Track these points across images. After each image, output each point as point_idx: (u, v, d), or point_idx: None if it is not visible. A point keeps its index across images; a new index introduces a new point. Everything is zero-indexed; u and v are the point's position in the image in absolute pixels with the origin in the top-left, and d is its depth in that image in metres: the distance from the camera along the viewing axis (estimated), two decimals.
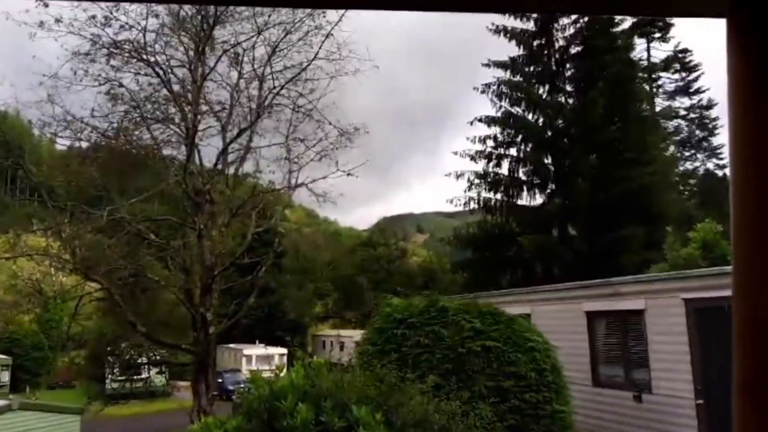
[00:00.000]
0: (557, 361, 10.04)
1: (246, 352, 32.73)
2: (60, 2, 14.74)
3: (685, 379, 11.09)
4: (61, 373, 36.31)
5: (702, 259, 18.39)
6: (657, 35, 38.03)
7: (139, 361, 20.29)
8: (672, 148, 33.48)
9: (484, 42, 29.38)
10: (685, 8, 0.92)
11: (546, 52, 29.17)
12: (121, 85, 15.89)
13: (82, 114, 15.45)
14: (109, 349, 20.63)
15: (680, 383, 11.18)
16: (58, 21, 14.74)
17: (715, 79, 37.28)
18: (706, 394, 10.55)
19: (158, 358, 19.60)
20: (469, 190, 29.09)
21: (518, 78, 29.16)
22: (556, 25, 29.29)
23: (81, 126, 15.44)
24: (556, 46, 29.30)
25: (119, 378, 23.54)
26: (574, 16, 29.58)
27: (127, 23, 15.40)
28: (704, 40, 30.19)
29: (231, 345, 34.18)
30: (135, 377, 23.47)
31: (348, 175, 16.35)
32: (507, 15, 29.41)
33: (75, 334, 27.50)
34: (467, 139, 29.54)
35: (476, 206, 29.16)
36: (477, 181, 29.06)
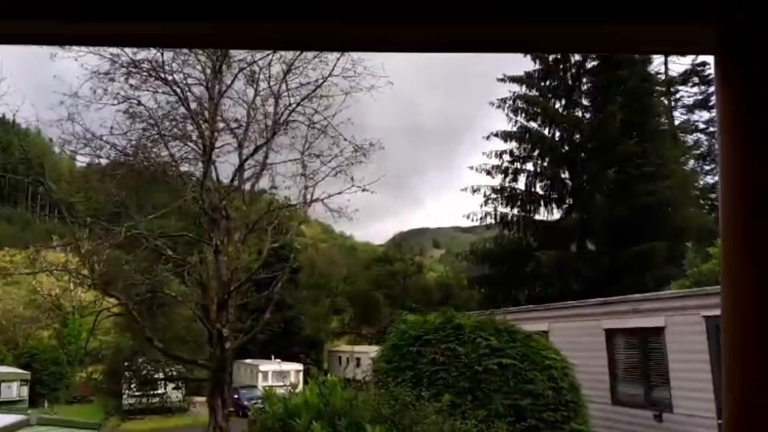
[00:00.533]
0: (575, 379, 9.89)
1: (262, 368, 32.59)
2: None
3: (707, 398, 10.84)
4: (79, 388, 36.55)
5: None
6: None
7: (156, 376, 20.34)
8: (692, 162, 33.14)
9: (501, 56, 29.41)
10: (676, 47, 1.00)
11: (562, 66, 29.10)
12: (139, 104, 16.15)
13: (102, 132, 15.72)
14: (126, 364, 20.74)
15: (702, 402, 10.94)
16: None
17: None
18: None
19: (175, 373, 19.64)
20: (485, 205, 29.01)
21: (534, 93, 29.11)
22: None
23: (100, 143, 15.70)
24: (572, 60, 29.22)
25: (136, 393, 23.58)
26: None
27: None
28: None
29: (247, 360, 34.14)
30: (151, 392, 23.49)
31: (363, 190, 16.39)
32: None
33: (93, 349, 27.66)
34: (483, 153, 29.52)
35: (493, 221, 29.03)
36: (494, 195, 28.97)
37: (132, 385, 23.16)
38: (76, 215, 17.08)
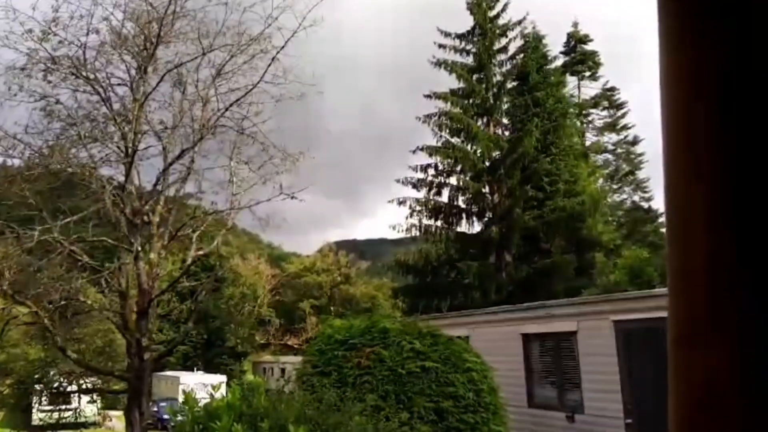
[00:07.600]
0: (494, 382, 10.35)
1: (183, 380, 31.45)
2: None
3: (615, 398, 11.60)
4: None
5: (629, 283, 19.44)
6: (587, 74, 40.18)
7: (69, 389, 19.21)
8: (601, 181, 35.23)
9: (436, 72, 29.98)
10: None
11: (484, 86, 30.32)
12: (58, 102, 15.43)
13: (15, 130, 14.93)
14: (36, 377, 19.51)
15: (610, 403, 11.68)
16: None
17: (640, 117, 39.47)
18: (634, 413, 11.07)
19: (90, 385, 18.68)
20: (410, 217, 29.62)
21: (458, 110, 30.11)
22: (493, 60, 30.55)
23: (13, 142, 14.88)
24: (494, 80, 30.50)
25: (47, 408, 22.27)
26: (510, 52, 30.94)
27: (65, 39, 15.07)
28: (631, 79, 32.09)
29: (168, 373, 32.91)
30: (64, 407, 22.21)
31: (291, 198, 16.33)
32: (447, 49, 30.48)
33: (0, 362, 25.88)
34: (409, 167, 30.18)
35: (418, 233, 29.67)
36: (419, 208, 29.64)
37: (43, 399, 21.85)
38: None
